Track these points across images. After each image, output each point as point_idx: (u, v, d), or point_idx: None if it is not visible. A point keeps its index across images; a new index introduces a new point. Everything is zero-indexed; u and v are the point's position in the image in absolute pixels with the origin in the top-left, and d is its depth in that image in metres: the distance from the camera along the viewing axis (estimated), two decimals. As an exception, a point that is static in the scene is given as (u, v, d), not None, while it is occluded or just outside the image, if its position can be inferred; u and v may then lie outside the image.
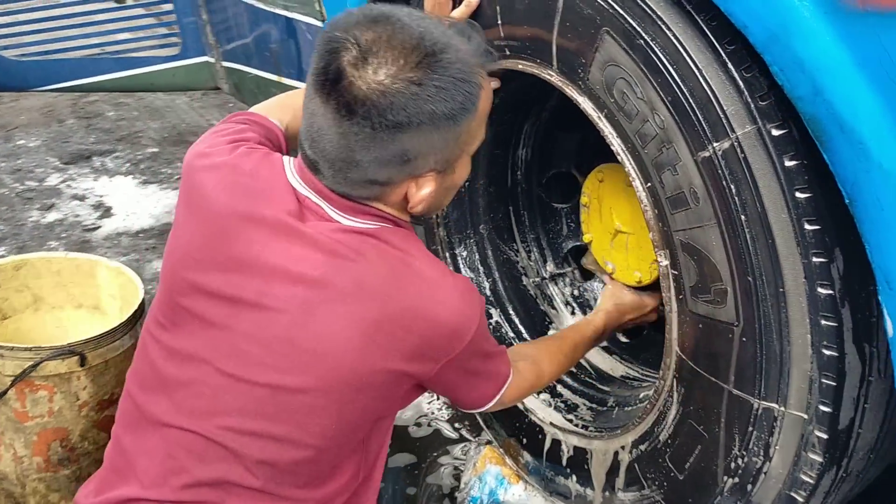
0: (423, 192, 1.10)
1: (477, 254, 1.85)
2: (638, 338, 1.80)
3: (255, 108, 1.38)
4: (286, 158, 1.19)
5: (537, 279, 1.89)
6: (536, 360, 1.38)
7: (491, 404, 1.28)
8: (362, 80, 1.00)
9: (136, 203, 3.28)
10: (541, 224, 1.90)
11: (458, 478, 1.86)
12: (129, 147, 3.81)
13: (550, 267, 1.91)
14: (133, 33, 3.21)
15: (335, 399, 1.11)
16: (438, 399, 2.10)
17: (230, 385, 1.13)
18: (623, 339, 1.82)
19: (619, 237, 1.63)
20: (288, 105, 1.40)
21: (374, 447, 1.24)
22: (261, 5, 2.34)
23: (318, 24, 2.06)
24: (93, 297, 1.95)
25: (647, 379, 1.67)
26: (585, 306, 1.87)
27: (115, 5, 3.35)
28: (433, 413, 2.05)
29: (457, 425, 2.00)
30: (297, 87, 2.38)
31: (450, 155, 1.10)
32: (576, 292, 1.90)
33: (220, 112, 4.37)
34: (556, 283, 1.90)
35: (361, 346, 1.08)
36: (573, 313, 1.87)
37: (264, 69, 2.54)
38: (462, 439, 1.96)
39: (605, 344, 1.79)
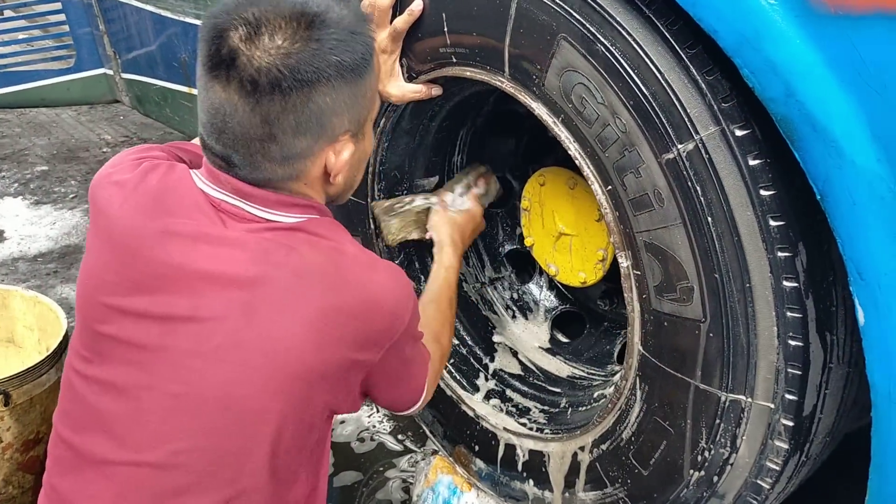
0: (342, 156, 1.10)
1: (416, 262, 1.83)
2: (579, 337, 1.83)
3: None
4: (192, 170, 1.15)
5: (477, 285, 1.89)
6: (435, 337, 1.40)
7: (423, 396, 1.30)
8: (261, 51, 1.00)
9: (30, 225, 3.11)
10: (477, 230, 1.90)
11: (407, 491, 1.84)
12: (16, 166, 3.60)
13: (489, 272, 1.91)
14: (16, 46, 3.03)
15: (289, 398, 1.07)
16: (379, 412, 2.07)
17: (177, 406, 1.07)
18: (564, 339, 1.85)
19: (563, 239, 1.65)
20: None
21: (317, 454, 1.20)
22: (169, 14, 2.25)
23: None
24: (6, 329, 1.83)
25: (595, 378, 1.69)
26: (525, 309, 1.89)
27: (-4, 16, 3.17)
28: (374, 427, 2.02)
29: (400, 437, 1.98)
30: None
31: (359, 114, 1.10)
32: (515, 295, 1.91)
33: (111, 125, 4.19)
34: (496, 288, 1.91)
35: (310, 338, 1.05)
36: (514, 317, 1.88)
37: (172, 80, 2.44)
38: (407, 451, 1.94)
39: (547, 346, 1.81)
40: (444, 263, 1.54)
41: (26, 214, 3.19)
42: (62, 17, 2.78)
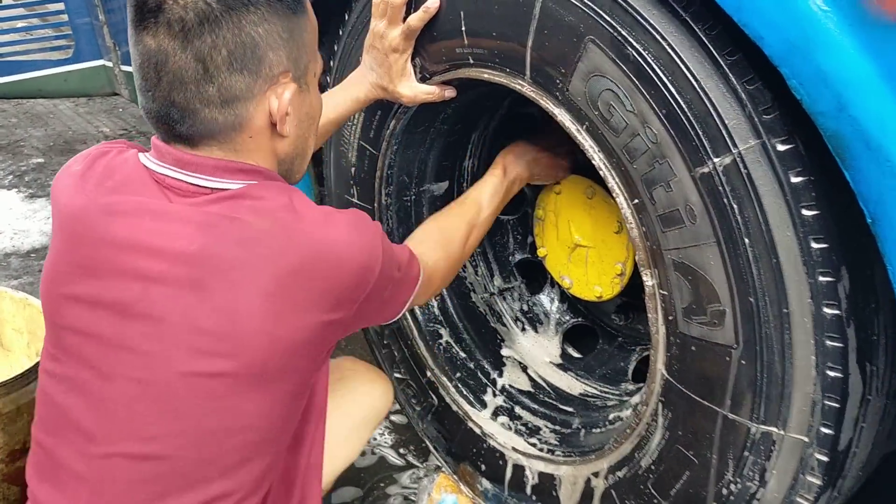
0: (284, 97, 1.03)
1: (424, 271, 1.75)
2: (591, 353, 1.76)
3: None
4: (141, 152, 1.10)
5: (486, 295, 1.82)
6: (441, 238, 1.37)
7: (404, 309, 1.26)
8: None
9: (24, 220, 3.03)
10: (486, 238, 1.83)
11: (408, 508, 1.76)
12: (11, 158, 3.52)
13: (498, 282, 1.84)
14: (14, 35, 2.95)
15: (262, 371, 1.01)
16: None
17: (143, 391, 1.01)
18: (575, 355, 1.78)
19: (578, 251, 1.57)
20: None
21: (309, 413, 1.17)
22: (171, 6, 2.16)
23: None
24: (-7, 331, 1.75)
25: (609, 397, 1.62)
26: (535, 322, 1.81)
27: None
28: (375, 439, 1.94)
29: (402, 451, 1.91)
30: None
31: (298, 55, 1.05)
32: (525, 307, 1.83)
33: (109, 117, 4.11)
34: (505, 299, 1.83)
35: (268, 308, 0.99)
36: (523, 330, 1.80)
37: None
38: (409, 466, 1.86)
39: (558, 361, 1.74)
40: (482, 184, 1.49)
41: (20, 208, 3.11)
42: (61, 6, 2.70)
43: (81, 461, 1.05)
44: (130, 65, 2.63)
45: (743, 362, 1.07)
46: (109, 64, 2.75)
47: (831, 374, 1.01)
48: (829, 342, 1.00)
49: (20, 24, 2.96)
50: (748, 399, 1.09)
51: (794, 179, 0.96)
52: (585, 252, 1.56)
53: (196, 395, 1.01)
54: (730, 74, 0.98)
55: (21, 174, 3.39)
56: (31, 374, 1.50)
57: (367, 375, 1.49)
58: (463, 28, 1.29)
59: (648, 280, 1.16)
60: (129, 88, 2.74)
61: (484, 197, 1.45)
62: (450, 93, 1.42)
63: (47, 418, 1.10)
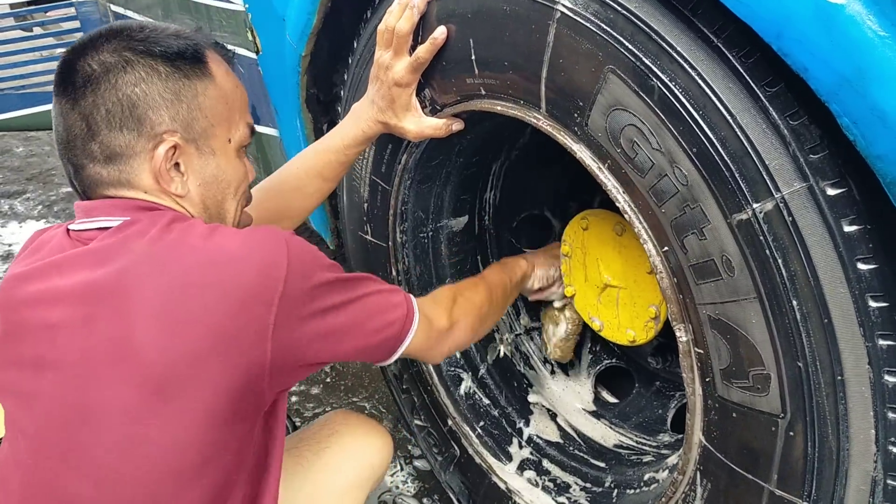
0: (157, 153, 1.03)
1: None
2: (627, 398, 1.62)
3: None
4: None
5: (511, 335, 1.69)
6: (457, 290, 1.35)
7: (398, 348, 1.17)
8: (80, 61, 1.03)
9: (50, 251, 2.99)
10: (513, 273, 1.71)
11: (431, 564, 1.65)
12: (41, 187, 3.50)
13: (525, 320, 1.72)
14: (44, 65, 2.91)
15: (162, 388, 0.95)
16: (403, 470, 1.88)
17: (63, 440, 0.98)
18: (610, 399, 1.65)
19: (609, 292, 1.45)
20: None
21: (254, 456, 1.08)
22: (185, 34, 2.10)
23: (253, 56, 1.83)
24: None
25: (646, 450, 1.48)
26: (566, 364, 1.68)
27: (21, 34, 3.06)
28: (398, 488, 1.83)
29: (426, 501, 1.79)
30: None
31: (188, 117, 1.06)
32: (553, 348, 1.70)
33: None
34: (532, 339, 1.71)
35: (157, 325, 0.95)
36: (552, 373, 1.68)
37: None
38: (432, 518, 1.75)
39: (590, 407, 1.61)
40: (512, 267, 1.52)
41: (48, 239, 3.08)
42: (81, 35, 2.67)
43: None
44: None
45: (791, 434, 0.94)
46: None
47: (894, 449, 0.87)
48: (891, 414, 0.87)
49: (45, 53, 2.93)
50: (798, 475, 0.95)
51: (848, 228, 0.83)
52: (616, 293, 1.43)
53: (101, 433, 0.96)
54: (770, 108, 0.85)
55: (50, 204, 3.36)
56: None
57: (362, 429, 1.39)
58: (473, 57, 1.17)
59: (682, 336, 1.04)
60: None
61: (506, 279, 1.47)
62: (457, 126, 1.31)
63: None
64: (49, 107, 2.92)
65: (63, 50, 3.13)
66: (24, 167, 3.68)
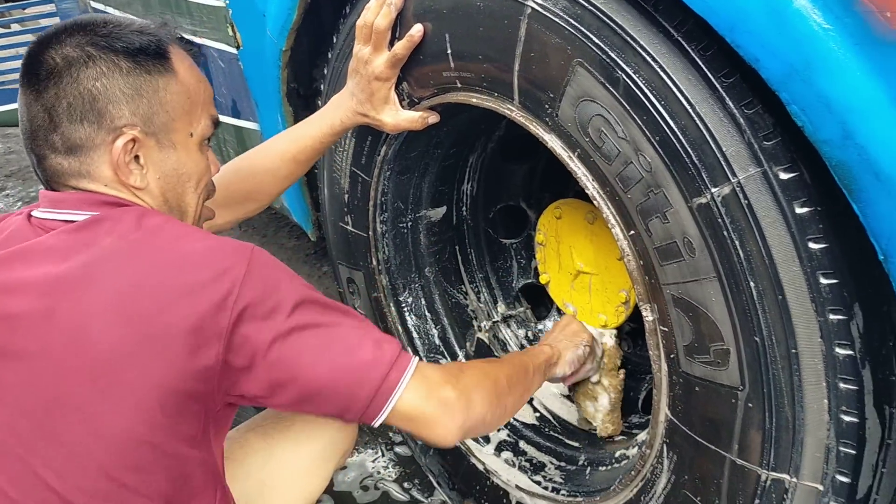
0: (115, 146, 1.05)
1: (423, 299, 1.69)
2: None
3: None
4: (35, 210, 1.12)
5: (488, 323, 1.74)
6: (482, 369, 1.21)
7: (399, 388, 1.04)
8: (46, 54, 1.05)
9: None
10: (489, 262, 1.76)
11: (413, 545, 1.70)
12: (21, 184, 3.51)
13: (502, 308, 1.77)
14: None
15: (110, 381, 0.96)
16: (384, 456, 1.92)
17: (22, 426, 0.99)
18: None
19: (581, 278, 1.50)
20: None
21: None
22: (168, 31, 2.13)
23: (233, 51, 1.86)
24: None
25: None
26: (541, 350, 1.74)
27: (-1, 31, 3.07)
28: (379, 473, 1.87)
29: (406, 485, 1.84)
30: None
31: (149, 111, 1.08)
32: (530, 334, 1.76)
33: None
34: (509, 326, 1.76)
35: (111, 319, 0.96)
36: (529, 358, 1.73)
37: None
38: (413, 501, 1.79)
39: (566, 391, 1.66)
40: (533, 352, 1.40)
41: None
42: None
43: None
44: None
45: (750, 405, 1.00)
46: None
47: (846, 418, 0.94)
48: (842, 384, 0.93)
49: (24, 50, 2.95)
50: (757, 444, 1.01)
51: (800, 210, 0.89)
52: (589, 279, 1.49)
53: (59, 419, 0.98)
54: (726, 98, 0.91)
55: (30, 200, 3.37)
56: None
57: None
58: (449, 51, 1.22)
59: (648, 315, 1.09)
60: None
61: (528, 364, 1.33)
62: (433, 118, 1.36)
63: None
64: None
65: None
66: (3, 164, 3.69)
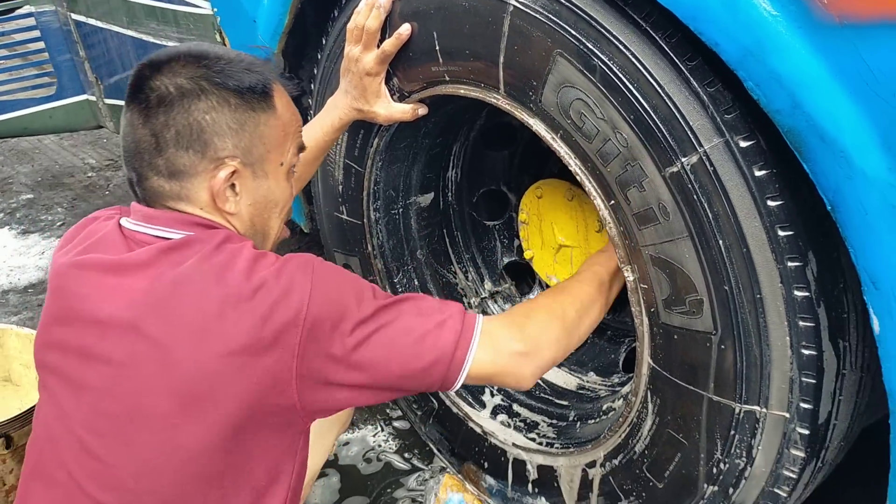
0: (220, 174, 1.12)
1: (416, 280, 1.81)
2: (582, 347, 1.82)
3: None
4: (125, 216, 1.20)
5: (477, 299, 1.87)
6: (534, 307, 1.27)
7: (468, 359, 1.13)
8: (157, 79, 1.11)
9: (18, 256, 3.07)
10: (475, 243, 1.89)
11: (417, 510, 1.82)
12: (1, 195, 3.55)
13: (488, 285, 1.90)
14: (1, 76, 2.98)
15: (193, 399, 1.05)
16: (383, 431, 2.05)
17: (100, 428, 1.08)
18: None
19: (563, 251, 1.64)
20: None
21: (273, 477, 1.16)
22: (151, 39, 2.22)
23: (221, 56, 1.97)
24: (2, 368, 1.80)
25: (602, 389, 1.68)
26: (527, 321, 1.87)
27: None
28: (380, 446, 1.99)
29: (407, 455, 1.96)
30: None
31: (249, 144, 1.14)
32: (515, 308, 1.89)
33: (94, 149, 4.15)
34: (496, 301, 1.89)
35: (194, 339, 1.04)
36: (516, 330, 1.86)
37: (156, 105, 2.41)
38: (415, 469, 1.92)
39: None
40: (592, 262, 1.41)
41: (14, 245, 3.15)
42: (41, 44, 2.74)
43: (48, 491, 1.12)
44: (114, 97, 2.68)
45: (723, 347, 1.14)
46: (93, 98, 2.79)
47: (806, 352, 1.07)
48: (801, 322, 1.06)
49: (0, 64, 2.99)
50: (730, 381, 1.15)
51: (758, 173, 1.03)
52: (570, 252, 1.62)
53: (143, 432, 1.06)
54: (691, 79, 1.04)
55: (12, 211, 3.42)
56: (43, 407, 1.55)
57: None
58: (437, 48, 1.35)
59: (629, 275, 1.23)
60: (113, 121, 2.78)
61: (587, 271, 1.38)
62: (422, 110, 1.48)
63: (29, 458, 1.18)
64: (7, 116, 2.98)
65: (19, 60, 3.17)
66: (-21, 177, 3.73)
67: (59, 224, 3.29)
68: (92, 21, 2.51)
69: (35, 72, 2.83)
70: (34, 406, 1.53)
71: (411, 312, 1.14)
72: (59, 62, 2.75)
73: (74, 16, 2.60)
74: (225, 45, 1.91)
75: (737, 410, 1.16)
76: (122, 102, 2.65)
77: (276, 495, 1.17)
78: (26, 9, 2.69)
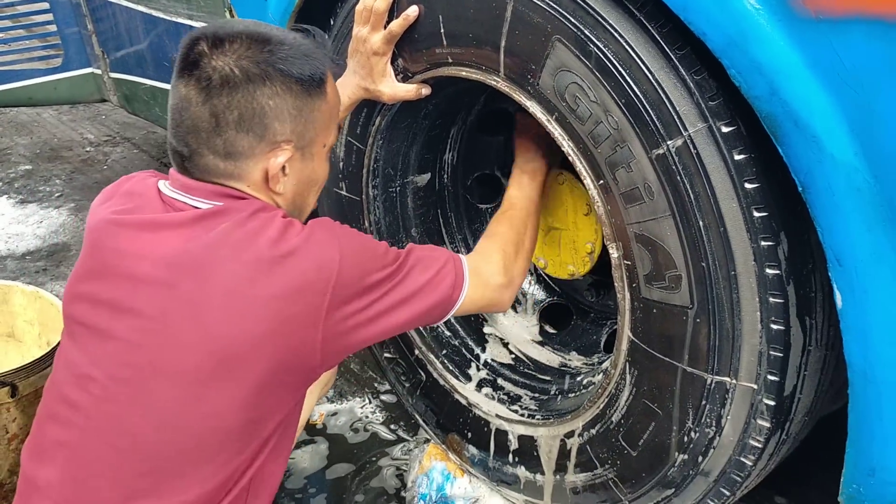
0: (279, 159, 1.17)
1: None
2: (566, 328, 1.89)
3: None
4: (162, 180, 1.25)
5: (467, 278, 1.94)
6: (494, 240, 1.44)
7: (460, 299, 1.31)
8: (220, 56, 1.14)
9: (17, 224, 3.12)
10: (467, 224, 1.96)
11: (400, 478, 1.89)
12: (0, 166, 3.60)
13: (478, 266, 1.97)
14: (2, 46, 3.03)
15: (226, 359, 1.11)
16: (371, 403, 2.12)
17: (124, 378, 1.14)
18: (552, 331, 1.92)
19: (552, 234, 1.71)
20: None
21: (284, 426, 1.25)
22: (161, 15, 2.28)
23: (230, 33, 2.03)
24: (6, 324, 1.86)
25: (583, 367, 1.76)
26: (516, 303, 1.95)
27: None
28: (367, 417, 2.07)
29: (393, 426, 2.03)
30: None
31: (305, 130, 1.20)
32: (503, 289, 1.96)
33: (93, 124, 4.19)
34: (485, 281, 1.96)
35: (228, 301, 1.10)
36: (504, 314, 1.94)
37: (162, 80, 2.48)
38: (400, 440, 1.99)
39: (538, 339, 1.87)
40: (527, 185, 1.57)
41: (12, 213, 3.20)
42: (50, 16, 2.79)
43: (64, 431, 1.18)
44: (119, 72, 2.74)
45: (698, 320, 1.21)
46: (98, 71, 2.85)
47: (775, 327, 1.15)
48: (771, 299, 1.14)
49: (7, 34, 3.04)
50: (703, 353, 1.23)
51: (738, 157, 1.10)
52: (558, 234, 1.70)
53: (167, 384, 1.12)
54: (679, 66, 1.12)
55: (10, 181, 3.47)
56: (47, 360, 1.61)
57: None
58: (442, 31, 1.42)
59: (614, 252, 1.30)
60: (117, 95, 2.84)
61: (517, 194, 1.55)
62: (426, 90, 1.55)
63: (47, 401, 1.24)
64: (8, 86, 3.01)
65: (25, 31, 3.20)
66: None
67: (57, 195, 3.34)
68: (104, -5, 2.57)
69: (41, 43, 2.88)
70: (40, 357, 1.60)
71: (416, 267, 1.27)
72: (66, 34, 2.81)
73: (86, -11, 2.65)
74: (234, 22, 1.97)
75: (708, 381, 1.24)
76: (126, 76, 2.71)
77: (278, 447, 1.25)
78: (36, -19, 2.75)
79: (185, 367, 1.12)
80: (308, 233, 1.16)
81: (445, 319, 1.34)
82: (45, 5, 2.76)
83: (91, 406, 1.16)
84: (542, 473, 1.60)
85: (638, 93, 1.16)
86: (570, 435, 1.52)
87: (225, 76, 1.13)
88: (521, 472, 1.65)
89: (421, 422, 1.90)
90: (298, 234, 1.16)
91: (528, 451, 1.63)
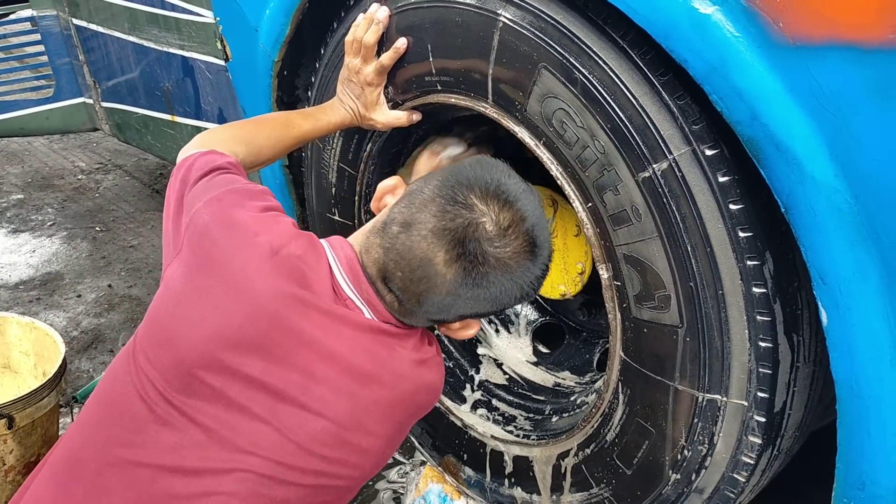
0: (468, 331, 1.25)
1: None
2: (559, 348, 1.91)
3: (206, 142, 1.37)
4: (328, 249, 1.21)
5: (460, 300, 1.96)
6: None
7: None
8: (490, 251, 1.11)
9: (9, 254, 3.12)
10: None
11: (398, 501, 1.90)
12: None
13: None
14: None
15: (359, 480, 1.21)
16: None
17: (264, 468, 1.11)
18: (545, 350, 1.93)
19: (543, 255, 1.73)
20: (238, 138, 1.43)
21: None
22: (152, 45, 2.31)
23: (221, 63, 2.06)
24: (1, 355, 1.86)
25: (577, 386, 1.77)
26: (507, 323, 1.97)
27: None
28: (363, 440, 2.07)
29: (389, 449, 2.04)
30: (192, 126, 2.36)
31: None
32: (496, 310, 1.98)
33: (84, 152, 4.21)
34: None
35: (382, 431, 1.18)
36: (497, 331, 1.96)
37: (154, 109, 2.50)
38: (396, 463, 2.00)
39: (532, 359, 1.89)
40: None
41: (5, 243, 3.21)
42: (41, 48, 2.81)
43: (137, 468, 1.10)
44: (111, 101, 2.76)
45: (687, 339, 1.23)
46: (90, 101, 2.87)
47: (763, 344, 1.17)
48: (759, 317, 1.16)
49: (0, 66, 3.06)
50: (694, 371, 1.25)
51: (722, 179, 1.13)
52: (549, 255, 1.72)
53: (312, 489, 1.15)
54: (662, 92, 1.15)
55: (2, 210, 3.48)
56: (43, 391, 1.62)
57: None
58: (430, 59, 1.45)
59: (604, 273, 1.32)
60: (109, 124, 2.86)
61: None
62: (416, 117, 1.58)
63: (110, 423, 1.14)
64: (5, 116, 3.02)
65: (17, 62, 3.22)
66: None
67: (49, 223, 3.35)
68: (93, 26, 2.59)
69: (33, 74, 2.90)
70: (36, 389, 1.61)
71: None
72: (57, 65, 2.83)
73: (76, 21, 2.68)
74: (226, 52, 2.00)
75: (700, 399, 1.25)
76: (118, 106, 2.72)
77: None
78: (27, 13, 2.77)
79: (334, 471, 1.16)
80: (432, 368, 1.26)
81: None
82: (37, 37, 2.79)
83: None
84: (539, 494, 1.62)
85: (623, 118, 1.18)
86: (565, 455, 1.54)
87: (482, 274, 1.12)
88: (518, 492, 1.67)
89: (417, 444, 1.91)
90: (435, 371, 1.27)
91: (523, 472, 1.64)
